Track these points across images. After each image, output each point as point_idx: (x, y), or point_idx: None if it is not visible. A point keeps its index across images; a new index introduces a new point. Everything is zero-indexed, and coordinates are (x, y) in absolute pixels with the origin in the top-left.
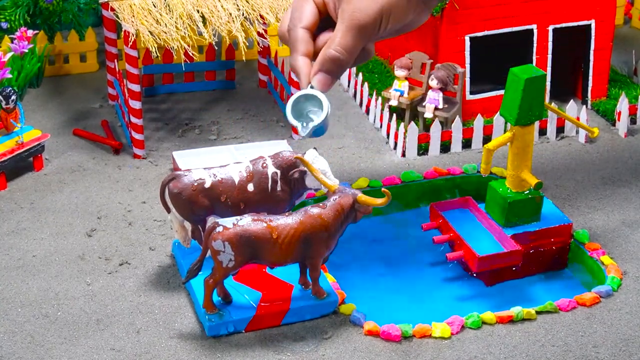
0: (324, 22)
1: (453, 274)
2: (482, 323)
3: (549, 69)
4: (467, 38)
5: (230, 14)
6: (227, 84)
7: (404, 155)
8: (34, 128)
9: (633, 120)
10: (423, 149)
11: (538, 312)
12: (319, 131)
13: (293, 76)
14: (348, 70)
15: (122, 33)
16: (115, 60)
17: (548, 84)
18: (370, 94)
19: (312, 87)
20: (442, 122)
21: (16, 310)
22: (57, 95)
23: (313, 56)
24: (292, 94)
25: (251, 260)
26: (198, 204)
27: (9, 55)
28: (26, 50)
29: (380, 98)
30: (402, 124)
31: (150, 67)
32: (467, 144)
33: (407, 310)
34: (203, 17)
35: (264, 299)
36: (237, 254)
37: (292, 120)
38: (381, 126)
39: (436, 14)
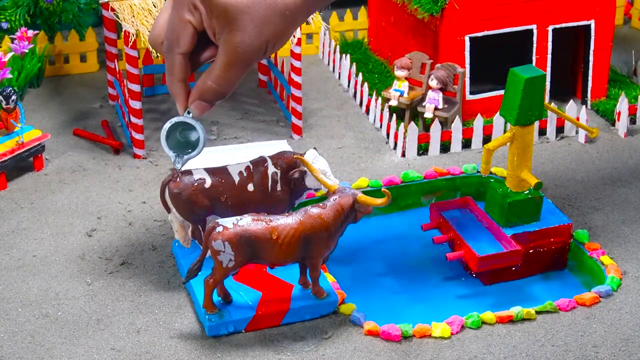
0: (202, 38)
1: (453, 274)
2: (482, 323)
3: (548, 69)
4: (467, 38)
5: None
6: None
7: (404, 155)
8: (34, 128)
9: (633, 120)
10: (423, 149)
11: (538, 312)
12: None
13: (293, 76)
14: (348, 70)
15: (122, 33)
16: (116, 61)
17: (548, 84)
18: (370, 94)
19: (188, 112)
20: (442, 122)
21: (16, 310)
22: (57, 95)
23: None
24: (291, 96)
25: (251, 260)
26: (198, 204)
27: (10, 55)
28: (26, 51)
29: (380, 98)
30: (402, 124)
31: (150, 67)
32: (467, 144)
33: (407, 310)
34: None
35: (264, 299)
36: (237, 254)
37: (167, 150)
38: (381, 126)
39: (436, 14)
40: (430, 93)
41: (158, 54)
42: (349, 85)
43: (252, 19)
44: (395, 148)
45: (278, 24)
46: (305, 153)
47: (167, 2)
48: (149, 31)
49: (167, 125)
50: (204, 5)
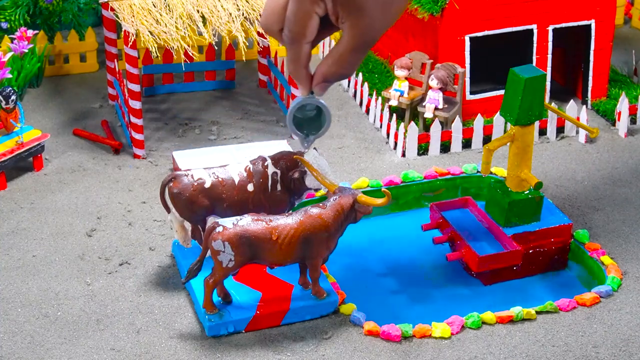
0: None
1: (453, 274)
2: (482, 323)
3: (548, 69)
4: (467, 38)
5: (230, 14)
6: (227, 84)
7: (404, 155)
8: (33, 128)
9: (633, 120)
10: (423, 149)
11: (538, 312)
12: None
13: None
14: None
15: (122, 33)
16: (115, 60)
17: (548, 84)
18: (370, 94)
19: (312, 93)
20: (442, 122)
21: (16, 310)
22: (57, 95)
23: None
24: (292, 96)
25: (251, 260)
26: (198, 204)
27: (9, 55)
28: (26, 50)
29: (380, 98)
30: (402, 124)
31: (150, 67)
32: (467, 144)
33: (407, 310)
34: (203, 17)
35: (264, 299)
36: (237, 254)
37: (294, 132)
38: (381, 126)
39: (436, 14)
40: (430, 93)
41: (159, 54)
42: (349, 85)
43: (376, 2)
44: (395, 148)
45: (399, 3)
46: (305, 153)
47: None
48: (149, 31)
49: (294, 105)
50: None
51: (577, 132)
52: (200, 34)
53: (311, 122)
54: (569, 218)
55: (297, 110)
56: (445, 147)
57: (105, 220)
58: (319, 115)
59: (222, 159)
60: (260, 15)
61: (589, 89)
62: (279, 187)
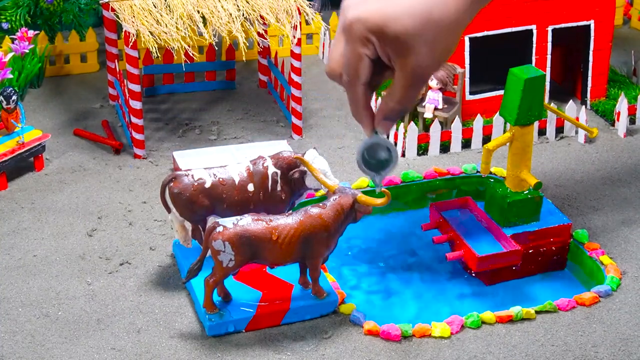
0: (375, 61)
1: (453, 274)
2: (481, 323)
3: (548, 69)
4: (467, 38)
5: (231, 14)
6: (227, 84)
7: (403, 155)
8: (34, 128)
9: (632, 121)
10: (423, 149)
11: (537, 312)
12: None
13: (293, 76)
14: None
15: (123, 33)
16: (116, 61)
17: (547, 84)
18: None
19: (376, 133)
20: (442, 122)
21: (17, 309)
22: (57, 95)
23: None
24: (292, 96)
25: (251, 260)
26: (198, 204)
27: (10, 55)
28: (27, 51)
29: (379, 98)
30: (401, 124)
31: (150, 68)
32: (466, 144)
33: (407, 310)
34: (203, 17)
35: (264, 299)
36: (237, 253)
37: (366, 171)
38: None
39: None
40: (430, 93)
41: (159, 55)
42: None
43: (424, 42)
44: None
45: (447, 40)
46: (305, 153)
47: (338, 35)
48: (149, 31)
49: (362, 147)
50: (376, 37)
51: (577, 132)
52: (200, 34)
53: (378, 159)
54: (568, 218)
55: (363, 152)
56: (445, 147)
57: (106, 220)
58: (383, 152)
59: (222, 159)
60: (260, 16)
61: (588, 89)
62: (279, 187)
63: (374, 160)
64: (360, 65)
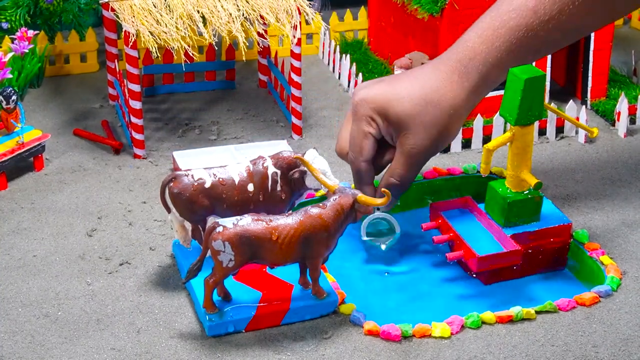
0: (379, 142)
1: (453, 274)
2: (481, 323)
3: (548, 69)
4: None
5: (231, 14)
6: (227, 84)
7: None
8: (34, 128)
9: (632, 121)
10: None
11: (538, 312)
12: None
13: (293, 76)
14: (348, 70)
15: (123, 33)
16: (116, 61)
17: (547, 84)
18: None
19: (378, 209)
20: None
21: (17, 310)
22: (57, 95)
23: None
24: (292, 96)
25: (251, 260)
26: (198, 204)
27: (10, 55)
28: (27, 51)
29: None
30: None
31: (150, 67)
32: (467, 144)
33: (407, 310)
34: (203, 17)
35: (264, 299)
36: (237, 254)
37: (370, 245)
38: None
39: (436, 14)
40: None
41: (159, 55)
42: (349, 85)
43: (421, 123)
44: None
45: (445, 124)
46: (305, 153)
47: (348, 115)
48: (149, 31)
49: (366, 222)
50: (380, 117)
51: (577, 132)
52: (200, 34)
53: (380, 232)
54: (569, 218)
55: (367, 226)
56: (445, 147)
57: (106, 220)
58: (385, 226)
59: (222, 159)
60: (260, 16)
61: (589, 89)
62: (279, 187)
63: (377, 233)
64: (365, 143)
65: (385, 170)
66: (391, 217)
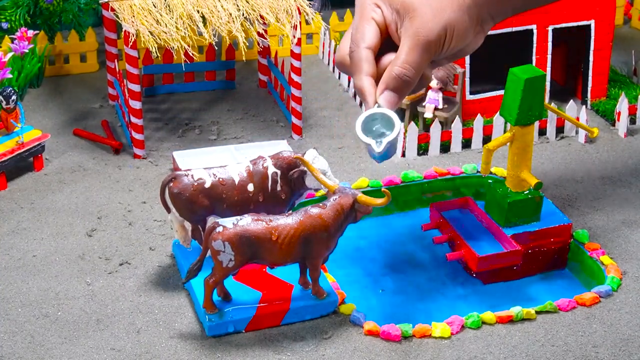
0: (385, 43)
1: (453, 274)
2: (482, 323)
3: (548, 69)
4: None
5: (231, 14)
6: (227, 84)
7: (403, 155)
8: (34, 128)
9: (633, 121)
10: (423, 149)
11: (538, 312)
12: (390, 150)
13: (293, 76)
14: None
15: (123, 33)
16: (116, 61)
17: (548, 84)
18: None
19: (378, 107)
20: (442, 122)
21: (16, 310)
22: (57, 95)
23: (376, 78)
24: (292, 96)
25: (251, 260)
26: (198, 204)
27: (10, 55)
28: (26, 51)
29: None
30: (402, 124)
31: (150, 67)
32: (467, 144)
33: (407, 310)
34: (203, 17)
35: (264, 299)
36: (237, 254)
37: (365, 138)
38: None
39: None
40: (430, 93)
41: (159, 55)
42: (349, 85)
43: (429, 5)
44: None
45: (455, 11)
46: (305, 153)
47: (353, 21)
48: (149, 31)
49: (361, 118)
50: (385, 2)
51: (577, 132)
52: (200, 34)
53: (379, 132)
54: (569, 218)
55: (366, 124)
56: (445, 147)
57: (106, 220)
58: (385, 124)
59: (222, 159)
60: (260, 16)
61: (589, 89)
62: (279, 187)
63: (375, 132)
64: (368, 27)
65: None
66: (391, 112)
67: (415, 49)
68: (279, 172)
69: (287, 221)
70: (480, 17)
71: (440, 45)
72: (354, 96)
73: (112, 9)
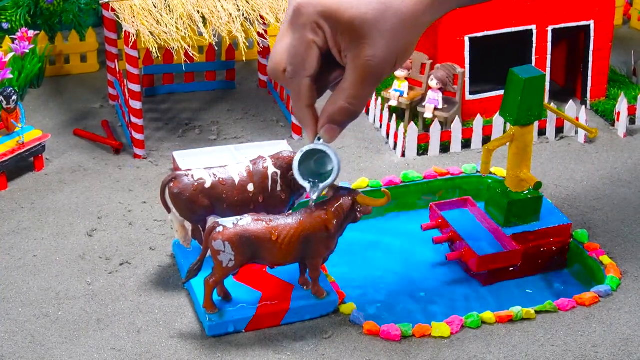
0: (325, 58)
1: (453, 274)
2: (481, 323)
3: (548, 69)
4: (467, 38)
5: (231, 14)
6: (227, 84)
7: (403, 155)
8: (34, 128)
9: (632, 121)
10: (423, 149)
11: (537, 312)
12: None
13: None
14: None
15: (123, 33)
16: (116, 61)
17: (547, 84)
18: None
19: (319, 139)
20: (442, 122)
21: (17, 309)
22: (57, 95)
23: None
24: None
25: (251, 260)
26: (198, 204)
27: (10, 55)
28: (27, 51)
29: (380, 98)
30: (402, 124)
31: (150, 68)
32: (466, 144)
33: (407, 310)
34: (203, 17)
35: (264, 299)
36: (237, 254)
37: (301, 180)
38: (381, 126)
39: None
40: (430, 93)
41: (159, 55)
42: None
43: (380, 32)
44: (395, 148)
45: (407, 35)
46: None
47: (284, 28)
48: (149, 31)
49: (299, 155)
50: (327, 22)
51: (576, 132)
52: (200, 34)
53: (320, 168)
54: (569, 218)
55: (305, 158)
56: (445, 147)
57: (106, 220)
58: (325, 162)
59: (222, 159)
60: (260, 16)
61: (588, 89)
62: (279, 187)
63: (314, 170)
64: (308, 54)
65: (332, 93)
66: (333, 153)
67: (363, 82)
68: (279, 172)
69: (287, 221)
70: (427, 26)
71: (389, 72)
72: None
73: (113, 9)
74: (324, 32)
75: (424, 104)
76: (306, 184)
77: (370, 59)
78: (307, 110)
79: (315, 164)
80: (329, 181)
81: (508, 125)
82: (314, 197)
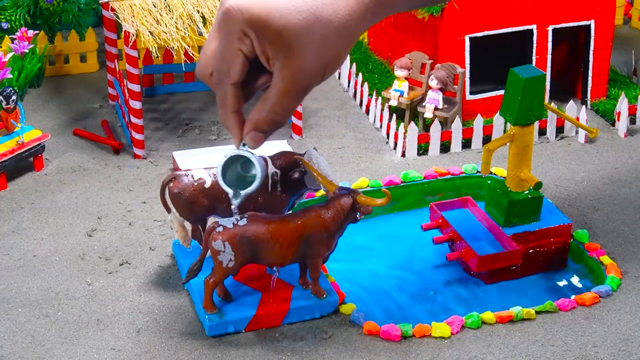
0: (252, 64)
1: (453, 274)
2: (481, 323)
3: (548, 69)
4: (467, 38)
5: None
6: None
7: (403, 155)
8: (34, 128)
9: (632, 121)
10: (423, 149)
11: (538, 312)
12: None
13: None
14: (348, 70)
15: (122, 33)
16: (116, 61)
17: (547, 84)
18: (370, 94)
19: (244, 145)
20: (442, 122)
21: (17, 310)
22: (57, 95)
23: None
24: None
25: (251, 260)
26: (198, 204)
27: (10, 55)
28: (26, 51)
29: (380, 98)
30: (402, 124)
31: (150, 67)
32: (467, 144)
33: (407, 310)
34: (203, 17)
35: (264, 299)
36: (237, 254)
37: (224, 186)
38: (381, 126)
39: (436, 14)
40: (430, 93)
41: (159, 55)
42: (349, 85)
43: (310, 42)
44: (395, 148)
45: (337, 46)
46: (305, 153)
47: (213, 31)
48: (149, 31)
49: (222, 160)
50: (255, 30)
51: (577, 132)
52: (200, 34)
53: (242, 175)
54: (569, 218)
55: (232, 165)
56: (445, 147)
57: (106, 220)
58: (248, 168)
59: None
60: None
61: (589, 89)
62: (279, 187)
63: (238, 176)
64: (234, 61)
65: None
66: (258, 160)
67: (289, 92)
68: (279, 172)
69: (287, 221)
70: (358, 37)
71: (318, 82)
72: (354, 96)
73: (112, 9)
74: (251, 40)
75: (424, 103)
76: (229, 190)
77: (297, 71)
78: (232, 117)
79: (242, 168)
80: (251, 188)
81: (508, 125)
82: (236, 203)
